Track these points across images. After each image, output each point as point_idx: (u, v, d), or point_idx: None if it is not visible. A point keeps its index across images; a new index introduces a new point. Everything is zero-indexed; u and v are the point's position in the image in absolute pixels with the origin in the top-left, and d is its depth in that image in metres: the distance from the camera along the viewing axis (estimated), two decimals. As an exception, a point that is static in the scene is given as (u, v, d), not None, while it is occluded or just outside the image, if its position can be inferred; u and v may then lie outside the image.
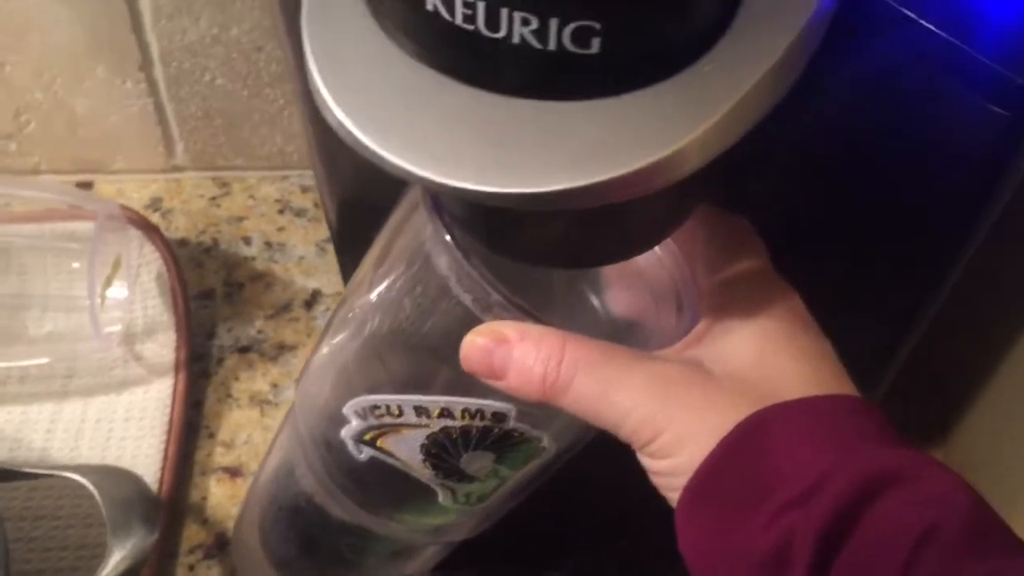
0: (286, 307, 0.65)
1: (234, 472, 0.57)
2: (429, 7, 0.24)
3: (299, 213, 0.71)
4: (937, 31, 0.30)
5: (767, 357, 0.31)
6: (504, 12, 0.23)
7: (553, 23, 0.23)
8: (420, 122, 0.25)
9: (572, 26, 0.23)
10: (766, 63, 0.24)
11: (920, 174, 0.34)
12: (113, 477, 0.47)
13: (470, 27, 0.24)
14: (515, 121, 0.24)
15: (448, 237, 0.32)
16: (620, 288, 0.39)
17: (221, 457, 0.58)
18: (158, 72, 0.66)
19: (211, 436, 0.59)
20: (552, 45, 0.23)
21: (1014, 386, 0.53)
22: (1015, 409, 0.53)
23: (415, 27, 0.25)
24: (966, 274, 0.39)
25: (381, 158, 0.24)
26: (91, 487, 0.45)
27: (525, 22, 0.23)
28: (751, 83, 0.24)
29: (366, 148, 0.24)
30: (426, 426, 0.36)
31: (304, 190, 0.72)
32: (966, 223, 0.35)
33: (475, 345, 0.32)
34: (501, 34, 0.24)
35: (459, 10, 0.24)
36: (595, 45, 0.23)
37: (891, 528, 0.27)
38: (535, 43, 0.23)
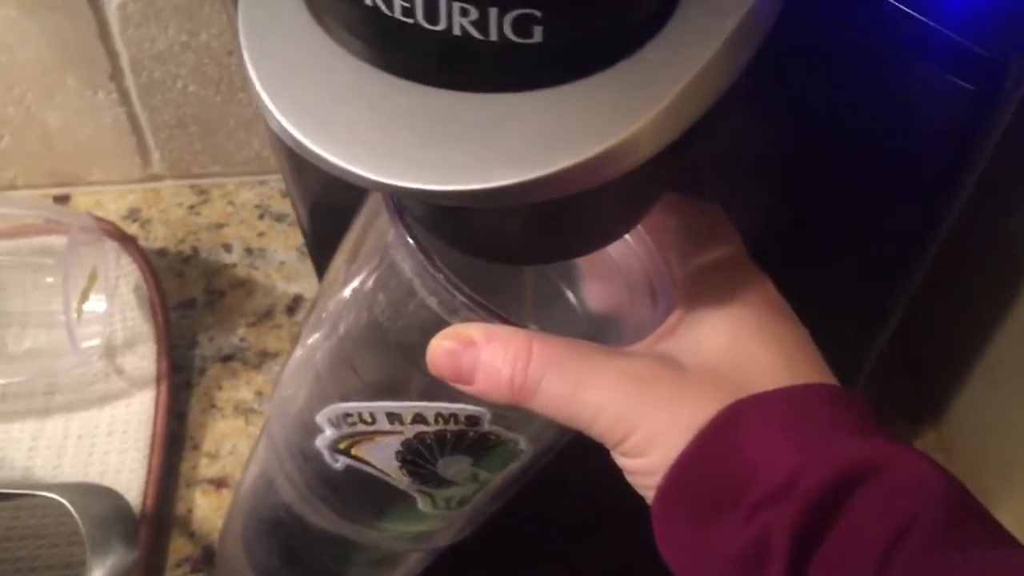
0: (268, 313, 0.64)
1: (220, 483, 0.56)
2: (368, 2, 0.24)
3: (279, 218, 0.70)
4: (899, 4, 0.29)
5: (739, 346, 0.30)
6: (443, 3, 0.22)
7: (493, 12, 0.22)
8: (361, 120, 0.24)
9: (512, 14, 0.22)
10: (713, 45, 0.23)
11: (888, 152, 0.33)
12: (92, 495, 0.46)
13: (409, 20, 0.23)
14: (459, 116, 0.23)
15: (411, 240, 0.31)
16: (594, 282, 0.39)
17: (206, 468, 0.57)
18: (129, 81, 0.65)
19: (195, 447, 0.58)
20: (494, 35, 0.23)
21: (1003, 364, 0.52)
22: (1005, 387, 0.52)
23: (353, 22, 0.24)
24: (947, 251, 0.38)
25: (320, 158, 0.24)
26: (69, 506, 0.45)
27: (464, 12, 0.22)
28: (699, 66, 0.23)
29: (304, 148, 0.24)
30: (400, 432, 0.35)
31: (283, 195, 0.71)
32: (938, 200, 0.34)
33: (441, 349, 0.31)
34: (441, 26, 0.23)
35: (398, 3, 0.23)
36: (537, 34, 0.22)
37: (868, 521, 0.26)
38: (476, 34, 0.23)
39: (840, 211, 0.36)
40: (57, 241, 0.61)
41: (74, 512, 0.44)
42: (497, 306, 0.31)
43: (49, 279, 0.61)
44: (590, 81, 0.23)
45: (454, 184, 0.23)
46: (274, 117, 0.25)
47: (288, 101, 0.25)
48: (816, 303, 0.33)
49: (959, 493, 0.27)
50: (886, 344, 0.43)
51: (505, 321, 0.31)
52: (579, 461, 0.38)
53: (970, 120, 0.30)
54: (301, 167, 0.44)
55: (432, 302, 0.32)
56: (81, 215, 0.60)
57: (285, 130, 0.24)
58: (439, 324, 0.32)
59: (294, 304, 0.65)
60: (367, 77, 0.24)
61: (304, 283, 0.66)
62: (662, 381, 0.30)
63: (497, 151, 0.23)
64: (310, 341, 0.39)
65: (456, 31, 0.23)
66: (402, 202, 0.32)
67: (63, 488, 0.46)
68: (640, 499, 0.31)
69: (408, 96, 0.24)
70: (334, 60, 0.25)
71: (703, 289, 0.32)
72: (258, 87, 0.25)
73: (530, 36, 0.22)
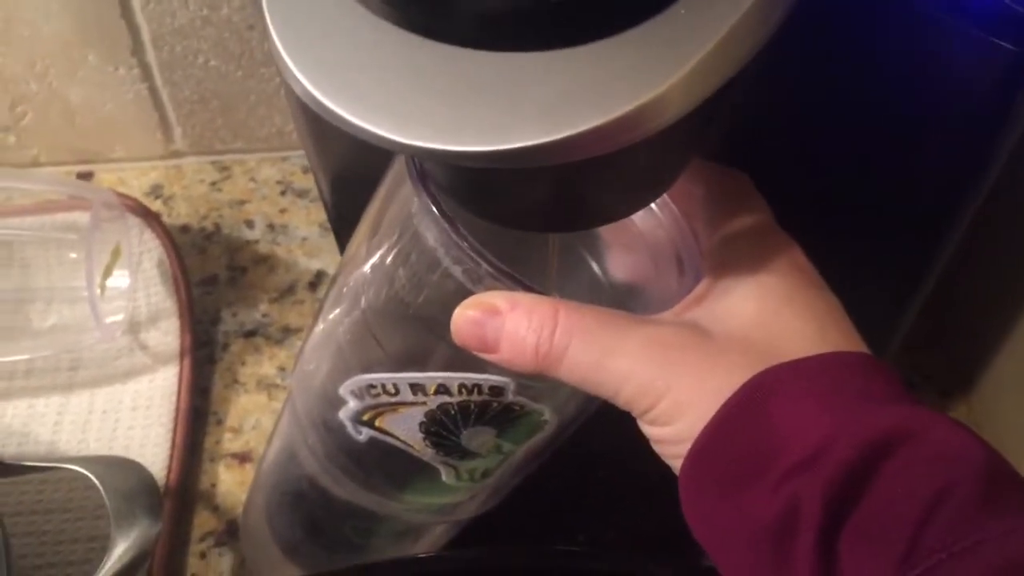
0: (290, 289, 0.64)
1: (243, 458, 0.57)
2: (390, -41, 0.23)
3: (301, 194, 0.70)
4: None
5: (769, 315, 0.30)
6: (468, -40, 0.22)
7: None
8: (384, 81, 0.23)
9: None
10: (745, 3, 0.23)
11: (925, 115, 0.32)
12: (116, 468, 0.46)
13: (433, -23, 0.23)
14: (484, 76, 0.23)
15: (434, 208, 0.31)
16: (619, 252, 0.38)
17: (230, 443, 0.57)
18: (150, 56, 0.64)
19: (219, 422, 0.58)
20: (519, -10, 0.22)
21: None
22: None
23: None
24: (979, 223, 0.37)
25: (343, 120, 0.23)
26: (94, 479, 0.45)
27: (490, -32, 0.22)
28: (731, 23, 0.23)
29: (327, 110, 0.23)
30: (423, 403, 0.35)
31: (305, 171, 0.71)
32: (975, 166, 0.33)
33: (466, 318, 0.31)
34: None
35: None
36: (566, -12, 0.22)
37: (902, 489, 0.25)
38: (501, -11, 0.22)
39: (874, 178, 0.36)
40: (81, 217, 0.61)
41: (99, 485, 0.44)
42: (520, 276, 0.31)
43: (73, 255, 0.61)
44: (620, 38, 0.23)
45: (479, 145, 0.23)
46: (296, 79, 0.24)
47: (310, 63, 0.24)
48: (846, 274, 0.32)
49: (995, 461, 0.26)
50: (916, 316, 0.42)
51: (530, 289, 0.31)
52: (602, 434, 0.38)
53: (1010, 82, 0.29)
54: (323, 140, 0.44)
55: (456, 271, 0.31)
56: (104, 191, 0.59)
57: (308, 92, 0.24)
58: (463, 294, 0.31)
59: (316, 280, 0.65)
60: (390, 37, 0.24)
61: (326, 259, 0.66)
62: (690, 348, 0.29)
63: (524, 111, 0.23)
64: (332, 315, 0.39)
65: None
66: (425, 170, 0.32)
67: (88, 461, 0.47)
68: (664, 469, 0.31)
69: (432, 56, 0.23)
70: (356, 21, 0.24)
71: (731, 257, 0.32)
72: (280, 49, 0.25)
73: (557, -9, 0.22)
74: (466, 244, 0.30)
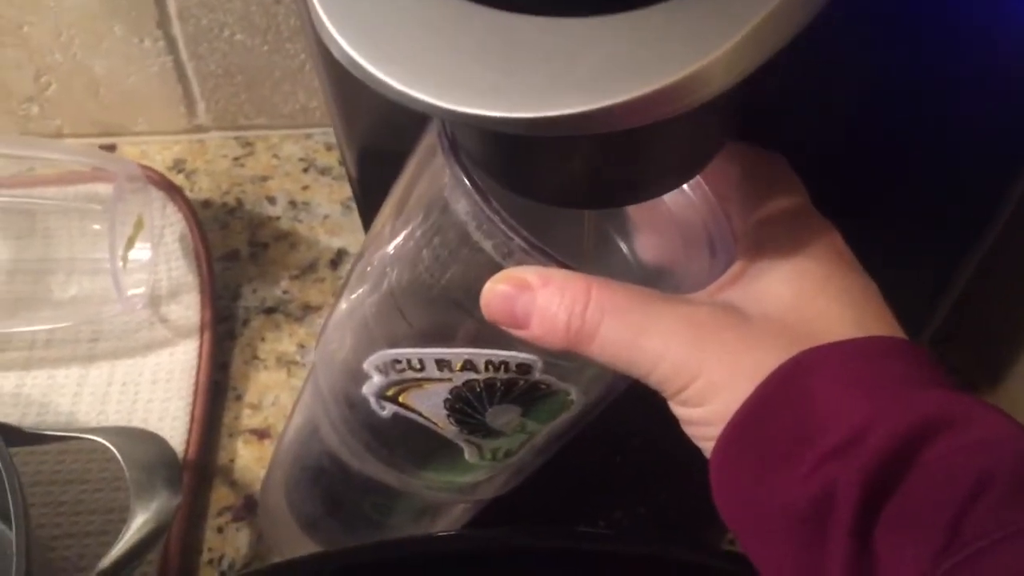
0: (311, 267, 0.64)
1: (262, 434, 0.56)
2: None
3: (324, 171, 0.69)
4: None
5: (805, 298, 0.29)
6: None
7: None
8: (424, 45, 0.23)
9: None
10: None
11: (964, 109, 0.32)
12: (136, 439, 0.46)
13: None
14: (527, 41, 0.22)
15: (467, 180, 0.31)
16: (650, 233, 0.38)
17: (248, 419, 0.57)
18: (176, 29, 0.64)
19: (238, 398, 0.58)
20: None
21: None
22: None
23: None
24: (1017, 213, 0.36)
25: (383, 83, 0.23)
26: (114, 450, 0.44)
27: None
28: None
29: (367, 73, 0.23)
30: (449, 380, 0.35)
31: (328, 148, 0.71)
32: (1011, 159, 0.32)
33: (496, 292, 0.30)
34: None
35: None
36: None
37: (941, 477, 0.25)
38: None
39: (912, 166, 0.35)
40: (104, 189, 0.61)
41: (119, 456, 0.44)
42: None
43: (95, 226, 0.61)
44: (666, 6, 0.22)
45: (520, 111, 0.22)
46: (335, 41, 0.24)
47: (350, 25, 0.24)
48: (880, 269, 0.31)
49: (1037, 448, 0.25)
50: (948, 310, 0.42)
51: (562, 265, 0.30)
52: (626, 415, 0.37)
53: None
54: (353, 112, 0.43)
55: (487, 245, 0.31)
56: (128, 163, 0.59)
57: (346, 54, 0.24)
58: (493, 269, 0.31)
59: (337, 258, 0.65)
60: (432, 1, 0.23)
61: (348, 237, 0.65)
62: (725, 329, 0.29)
63: (566, 78, 0.22)
64: (357, 291, 0.38)
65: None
66: (457, 143, 0.31)
67: (108, 432, 0.46)
68: (689, 452, 0.30)
69: (474, 20, 0.23)
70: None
71: (767, 239, 0.31)
72: (319, 9, 0.24)
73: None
74: (498, 217, 0.30)
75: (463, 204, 0.31)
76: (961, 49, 0.31)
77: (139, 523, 0.42)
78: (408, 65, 0.23)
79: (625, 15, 0.22)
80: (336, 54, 0.24)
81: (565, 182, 0.29)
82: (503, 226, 0.30)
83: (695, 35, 0.22)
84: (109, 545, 0.42)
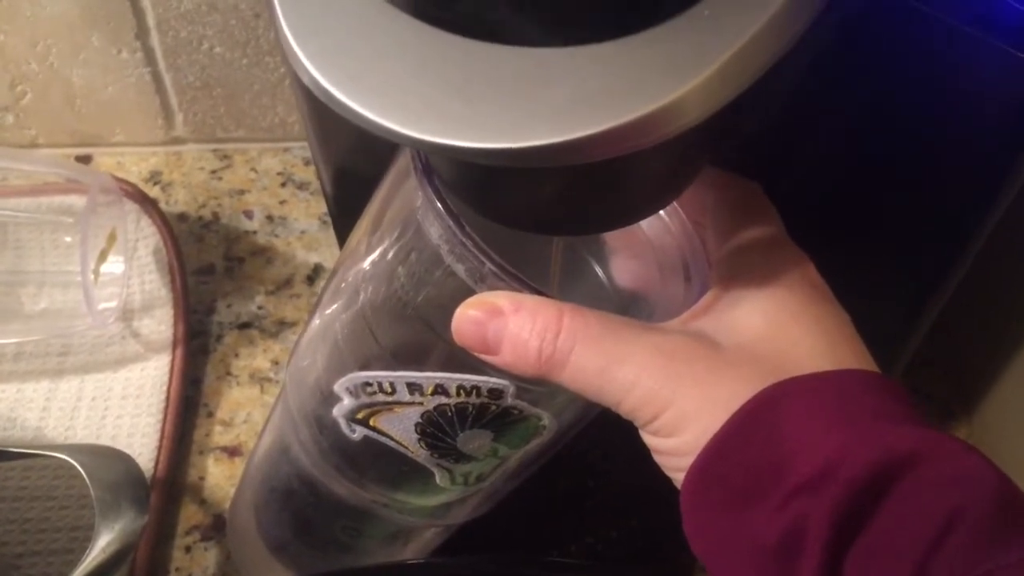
0: (287, 282, 0.64)
1: (233, 451, 0.56)
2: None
3: (301, 186, 0.69)
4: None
5: (778, 329, 0.29)
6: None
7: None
8: (395, 72, 0.23)
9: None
10: (772, 6, 0.22)
11: (944, 130, 0.32)
12: (103, 458, 0.45)
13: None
14: (499, 71, 0.22)
15: (439, 203, 0.30)
16: (625, 258, 0.37)
17: (220, 436, 0.56)
18: (155, 41, 0.64)
19: (210, 414, 0.57)
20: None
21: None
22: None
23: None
24: (991, 241, 0.36)
25: (351, 111, 0.22)
26: (79, 468, 0.44)
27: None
28: (755, 28, 0.22)
29: (335, 100, 0.23)
30: (420, 404, 0.34)
31: (306, 162, 0.70)
32: (995, 181, 0.32)
33: (467, 317, 0.30)
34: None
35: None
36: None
37: (911, 513, 0.25)
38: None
39: (887, 194, 0.35)
40: (77, 201, 0.60)
41: (84, 474, 0.43)
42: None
43: (67, 238, 0.60)
44: (639, 38, 0.22)
45: (489, 142, 0.22)
46: (304, 68, 0.24)
47: (319, 51, 0.24)
48: (857, 291, 0.31)
49: (1007, 487, 0.25)
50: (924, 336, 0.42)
51: (534, 291, 0.30)
52: (600, 442, 0.37)
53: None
54: (327, 131, 0.43)
55: (459, 269, 0.31)
56: (101, 175, 0.59)
57: (315, 81, 0.23)
58: (465, 293, 0.31)
59: (314, 274, 0.64)
60: (403, 27, 0.23)
61: (325, 253, 0.65)
62: (697, 359, 0.28)
63: (537, 109, 0.22)
64: (330, 309, 0.38)
65: (499, -22, 0.22)
66: (431, 166, 0.31)
67: (74, 449, 0.46)
68: (661, 481, 0.30)
69: (446, 48, 0.23)
70: (368, 8, 0.24)
71: (741, 268, 0.31)
72: (288, 36, 0.24)
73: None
74: (470, 242, 0.30)
75: (436, 228, 0.31)
76: (936, 81, 0.31)
77: (103, 543, 0.41)
78: (377, 92, 0.22)
79: (599, 46, 0.22)
80: (304, 79, 0.23)
81: (537, 210, 0.29)
82: (475, 251, 0.30)
83: (667, 67, 0.22)
84: (74, 564, 0.42)
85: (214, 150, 0.71)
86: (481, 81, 0.22)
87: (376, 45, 0.23)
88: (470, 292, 0.31)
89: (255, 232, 0.66)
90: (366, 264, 0.36)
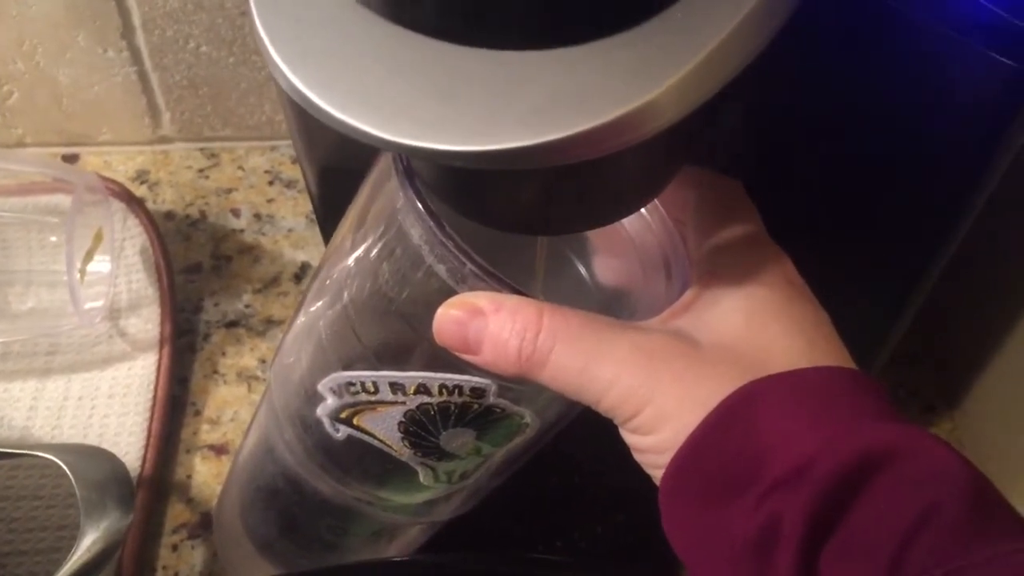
0: (275, 280, 0.64)
1: (220, 450, 0.56)
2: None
3: (289, 184, 0.69)
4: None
5: (757, 327, 0.29)
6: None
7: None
8: (372, 76, 0.23)
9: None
10: (744, 7, 0.22)
11: (920, 129, 0.32)
12: (88, 457, 0.45)
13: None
14: (475, 74, 0.22)
15: (419, 204, 0.30)
16: (607, 256, 0.38)
17: (207, 434, 0.56)
18: (140, 40, 0.64)
19: (197, 413, 0.57)
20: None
21: (1022, 356, 0.51)
22: (1023, 379, 0.51)
23: (366, -28, 0.23)
24: (970, 237, 0.37)
25: (327, 114, 0.22)
26: (65, 467, 0.44)
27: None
28: (728, 30, 0.22)
29: (312, 104, 0.23)
30: (403, 403, 0.34)
31: (294, 160, 0.70)
32: (970, 180, 0.33)
33: (448, 317, 0.30)
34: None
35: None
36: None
37: (886, 509, 0.25)
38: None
39: (871, 191, 0.35)
40: (63, 200, 0.60)
41: (69, 474, 0.44)
42: (506, 277, 0.30)
43: (54, 238, 0.60)
44: (613, 40, 0.22)
45: (465, 144, 0.22)
46: (281, 71, 0.24)
47: (296, 55, 0.24)
48: (838, 288, 0.32)
49: (981, 484, 0.26)
50: (904, 332, 0.42)
51: (515, 291, 0.30)
52: (583, 440, 0.37)
53: (1008, 98, 0.29)
54: (311, 131, 0.43)
55: (440, 270, 0.31)
56: (87, 174, 0.59)
57: (292, 85, 0.23)
58: (446, 293, 0.31)
59: (301, 272, 0.64)
60: (380, 31, 0.23)
61: (312, 251, 0.65)
62: (676, 357, 0.29)
63: (512, 111, 0.22)
64: (314, 307, 0.38)
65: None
66: (412, 166, 0.31)
67: (59, 449, 0.46)
68: (643, 478, 0.30)
69: (422, 52, 0.23)
70: (345, 13, 0.24)
71: (721, 266, 0.31)
72: (265, 40, 0.24)
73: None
74: (451, 242, 0.30)
75: (417, 229, 0.31)
76: (912, 80, 0.31)
77: (89, 542, 0.41)
78: (353, 96, 0.22)
79: (573, 48, 0.22)
80: (281, 83, 0.24)
81: (517, 210, 0.29)
82: (456, 251, 0.30)
83: (642, 69, 0.22)
84: (60, 563, 0.42)
85: (201, 149, 0.71)
86: (457, 84, 0.22)
87: (352, 49, 0.23)
88: (452, 292, 0.31)
89: (242, 230, 0.66)
90: (350, 262, 0.36)
